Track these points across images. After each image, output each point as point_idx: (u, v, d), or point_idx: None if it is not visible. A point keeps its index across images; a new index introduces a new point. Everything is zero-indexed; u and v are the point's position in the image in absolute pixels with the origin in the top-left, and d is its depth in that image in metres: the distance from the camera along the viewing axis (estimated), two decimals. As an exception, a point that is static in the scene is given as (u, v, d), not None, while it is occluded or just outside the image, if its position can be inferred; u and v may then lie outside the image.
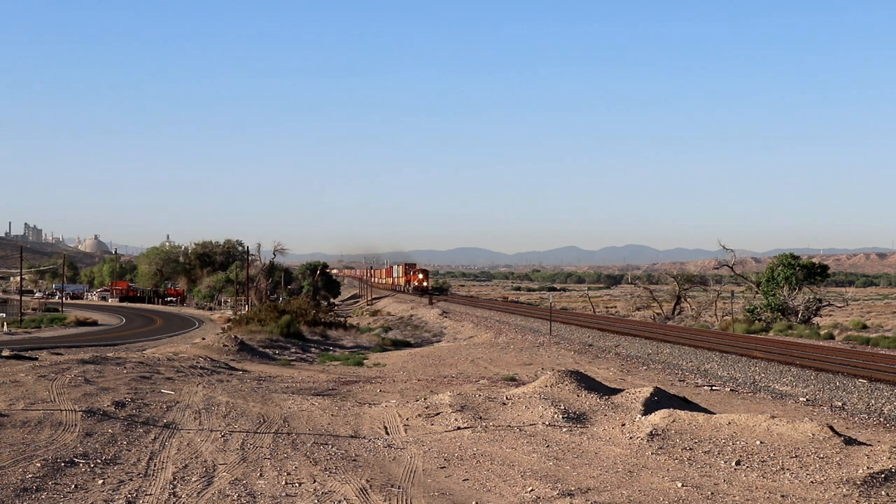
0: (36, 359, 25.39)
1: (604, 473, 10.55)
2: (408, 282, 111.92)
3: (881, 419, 19.29)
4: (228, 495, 9.34)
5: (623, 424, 13.21)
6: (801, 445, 11.33)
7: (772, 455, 11.06)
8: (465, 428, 13.36)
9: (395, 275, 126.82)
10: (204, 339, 36.28)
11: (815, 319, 52.96)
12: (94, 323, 68.27)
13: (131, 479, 9.87)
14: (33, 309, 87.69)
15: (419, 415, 14.49)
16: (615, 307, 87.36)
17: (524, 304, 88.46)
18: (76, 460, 10.56)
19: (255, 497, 9.31)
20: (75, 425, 12.61)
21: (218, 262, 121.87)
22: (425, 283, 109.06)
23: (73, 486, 9.40)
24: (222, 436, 12.68)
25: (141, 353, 30.87)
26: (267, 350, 35.29)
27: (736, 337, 40.99)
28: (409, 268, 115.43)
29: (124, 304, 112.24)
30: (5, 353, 24.90)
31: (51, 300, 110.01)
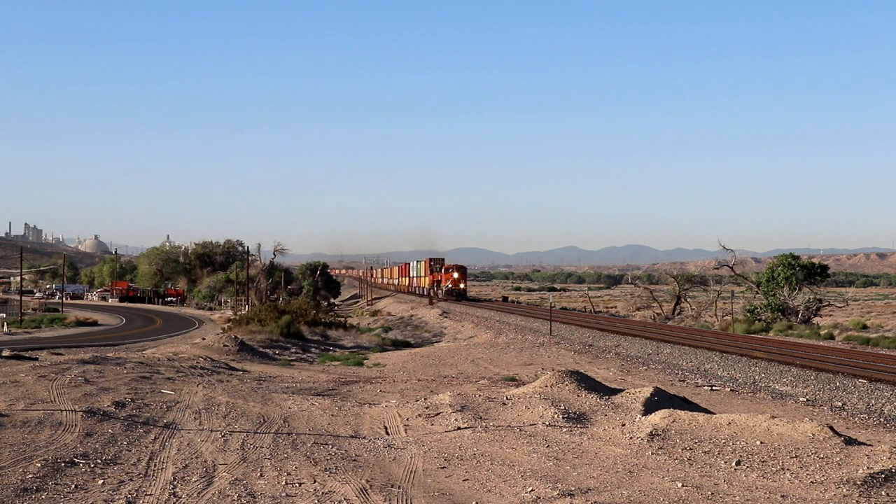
0: (36, 359, 25.38)
1: (604, 473, 10.54)
2: (435, 283, 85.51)
3: (881, 419, 19.27)
4: (228, 495, 9.34)
5: (623, 424, 13.20)
6: (801, 445, 11.32)
7: (772, 455, 11.06)
8: (466, 428, 13.35)
9: (413, 274, 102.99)
10: (204, 339, 36.27)
11: (816, 319, 52.96)
12: (95, 323, 68.28)
13: (131, 480, 9.87)
14: (33, 309, 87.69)
15: (419, 415, 14.48)
16: (615, 307, 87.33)
17: (524, 304, 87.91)
18: (76, 460, 10.55)
19: (255, 497, 9.31)
20: (75, 425, 12.61)
21: (218, 262, 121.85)
22: (462, 285, 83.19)
23: (73, 486, 9.40)
24: (222, 436, 12.67)
25: (141, 353, 30.86)
26: (267, 350, 35.28)
27: (736, 337, 40.98)
28: (437, 264, 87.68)
29: (124, 304, 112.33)
30: (5, 353, 24.89)
31: (51, 300, 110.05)
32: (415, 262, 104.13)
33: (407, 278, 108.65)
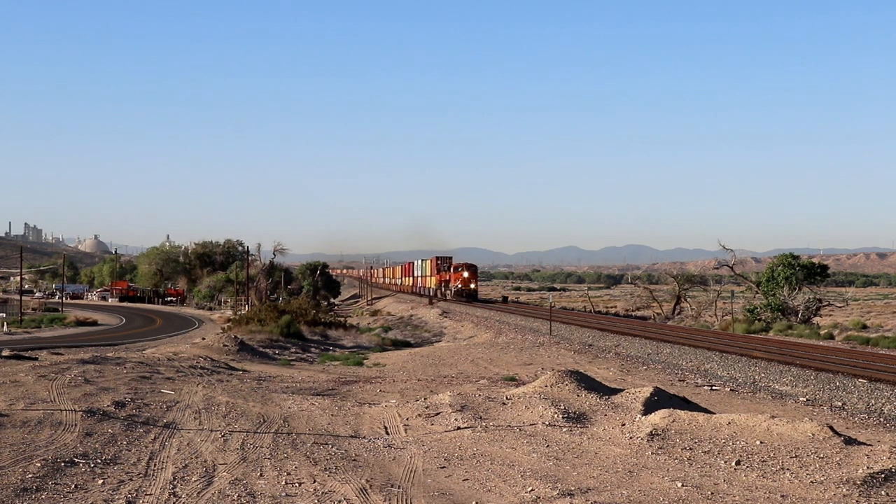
0: (36, 359, 25.39)
1: (604, 473, 10.54)
2: (443, 283, 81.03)
3: (881, 419, 19.27)
4: (228, 495, 9.34)
5: (623, 424, 13.21)
6: (801, 445, 11.32)
7: (772, 455, 11.06)
8: (465, 428, 13.35)
9: (417, 273, 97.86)
10: (204, 339, 36.27)
11: (815, 319, 52.96)
12: (94, 323, 68.29)
13: (131, 479, 9.87)
14: (33, 309, 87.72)
15: (419, 415, 14.49)
16: (615, 307, 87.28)
17: (524, 304, 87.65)
18: (76, 460, 10.56)
19: (255, 497, 9.31)
20: (75, 425, 12.61)
21: (218, 262, 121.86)
22: (472, 285, 78.19)
23: (73, 486, 9.40)
24: (222, 436, 12.68)
25: (141, 353, 30.87)
26: (267, 350, 35.28)
27: (736, 337, 40.98)
28: (444, 263, 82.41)
29: (124, 304, 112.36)
30: (5, 353, 24.89)
31: (51, 300, 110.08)
32: (419, 261, 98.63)
33: (410, 278, 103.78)
